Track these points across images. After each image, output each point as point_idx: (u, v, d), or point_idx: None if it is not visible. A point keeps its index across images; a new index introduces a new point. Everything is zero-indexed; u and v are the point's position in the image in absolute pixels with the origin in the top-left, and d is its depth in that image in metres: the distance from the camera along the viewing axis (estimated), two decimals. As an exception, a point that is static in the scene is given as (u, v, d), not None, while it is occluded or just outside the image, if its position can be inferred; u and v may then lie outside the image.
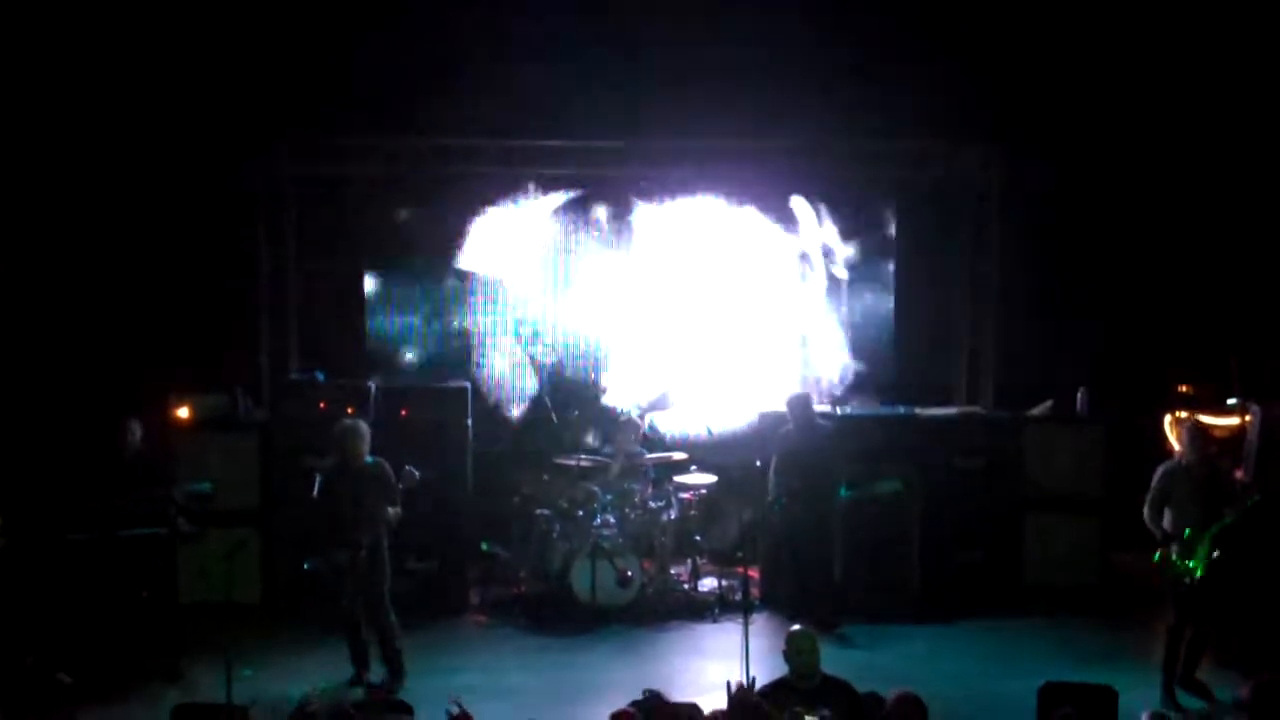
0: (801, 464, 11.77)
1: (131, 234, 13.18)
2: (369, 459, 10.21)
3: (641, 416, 13.55)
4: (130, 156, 13.05)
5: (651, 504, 12.47)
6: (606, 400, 14.00)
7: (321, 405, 12.14)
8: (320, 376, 12.62)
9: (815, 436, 11.89)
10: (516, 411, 14.04)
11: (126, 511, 10.29)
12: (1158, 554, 9.85)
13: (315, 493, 10.20)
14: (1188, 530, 9.68)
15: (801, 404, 12.05)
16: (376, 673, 10.38)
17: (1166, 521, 9.88)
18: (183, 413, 12.26)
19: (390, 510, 10.13)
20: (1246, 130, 13.04)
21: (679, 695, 8.10)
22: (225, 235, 13.41)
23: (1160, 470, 10.08)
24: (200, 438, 12.14)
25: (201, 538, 10.81)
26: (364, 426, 10.31)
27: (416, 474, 10.18)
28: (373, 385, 12.38)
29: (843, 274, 14.21)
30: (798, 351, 14.23)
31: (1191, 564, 9.67)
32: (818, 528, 11.81)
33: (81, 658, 9.68)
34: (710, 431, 13.25)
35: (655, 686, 7.94)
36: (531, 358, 14.01)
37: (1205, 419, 12.06)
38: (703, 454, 13.15)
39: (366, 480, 10.12)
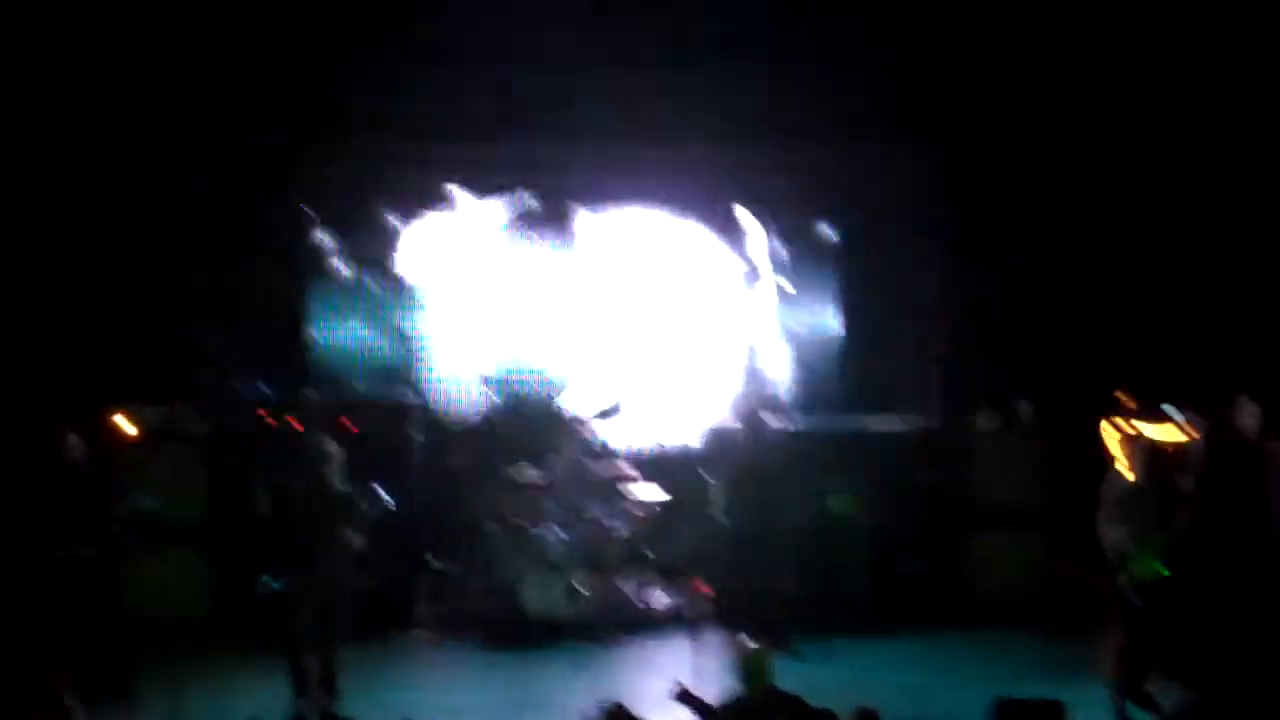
0: (750, 476, 11.79)
1: (70, 244, 12.90)
2: (338, 483, 10.00)
3: (588, 428, 13.48)
4: (55, 157, 12.75)
5: (601, 518, 12.44)
6: (553, 412, 13.94)
7: (266, 417, 12.05)
8: (264, 388, 12.51)
9: (764, 449, 11.91)
10: (462, 424, 13.97)
11: (68, 529, 10.11)
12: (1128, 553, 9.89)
13: (263, 508, 10.07)
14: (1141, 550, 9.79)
15: (750, 416, 12.07)
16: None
17: (1116, 535, 9.97)
18: (125, 426, 12.08)
19: (356, 537, 9.91)
20: (1191, 125, 13.10)
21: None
22: (165, 244, 13.21)
23: (1108, 483, 10.15)
24: (143, 451, 11.95)
25: (146, 554, 10.66)
26: (335, 447, 10.08)
27: (387, 500, 10.04)
28: (317, 397, 12.24)
29: (788, 285, 14.23)
30: (744, 363, 14.24)
31: (1147, 569, 9.75)
32: (767, 541, 11.82)
33: (24, 678, 9.51)
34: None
35: (606, 703, 7.91)
36: (479, 371, 13.92)
37: (1148, 430, 12.17)
38: (652, 468, 13.12)
39: (333, 504, 9.89)
